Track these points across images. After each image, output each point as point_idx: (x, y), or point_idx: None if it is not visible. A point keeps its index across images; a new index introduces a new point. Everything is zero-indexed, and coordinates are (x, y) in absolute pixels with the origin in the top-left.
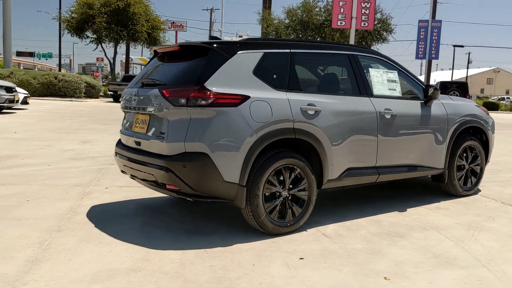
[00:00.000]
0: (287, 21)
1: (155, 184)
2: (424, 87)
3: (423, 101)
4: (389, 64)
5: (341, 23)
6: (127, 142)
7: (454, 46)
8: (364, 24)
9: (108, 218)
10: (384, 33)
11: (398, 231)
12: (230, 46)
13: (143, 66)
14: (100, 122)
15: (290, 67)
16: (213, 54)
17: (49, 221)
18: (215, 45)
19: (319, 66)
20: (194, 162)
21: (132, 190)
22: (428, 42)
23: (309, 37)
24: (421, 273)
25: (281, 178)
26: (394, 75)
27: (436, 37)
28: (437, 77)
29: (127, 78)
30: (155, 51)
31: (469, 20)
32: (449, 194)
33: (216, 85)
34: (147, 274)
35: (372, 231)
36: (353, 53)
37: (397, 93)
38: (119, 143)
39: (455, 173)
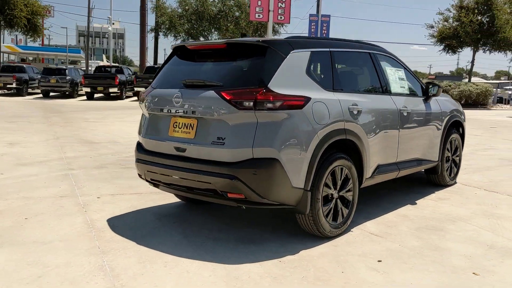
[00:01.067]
0: (180, 10)
1: (212, 194)
2: (422, 84)
3: (423, 98)
4: (396, 62)
5: (259, 15)
6: (159, 149)
7: None
8: (281, 17)
9: (138, 231)
10: (276, 26)
11: (432, 224)
12: (285, 45)
13: (12, 56)
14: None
15: (332, 66)
16: (270, 53)
17: (79, 242)
18: (271, 44)
19: (351, 65)
20: (265, 168)
21: (128, 199)
22: (319, 35)
23: (204, 28)
24: (498, 265)
25: (333, 180)
26: (402, 73)
27: (325, 31)
28: None
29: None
30: (180, 47)
31: (355, 16)
32: (437, 184)
33: (277, 86)
34: None
35: (411, 227)
36: (373, 51)
37: (406, 90)
38: (142, 149)
39: (445, 165)
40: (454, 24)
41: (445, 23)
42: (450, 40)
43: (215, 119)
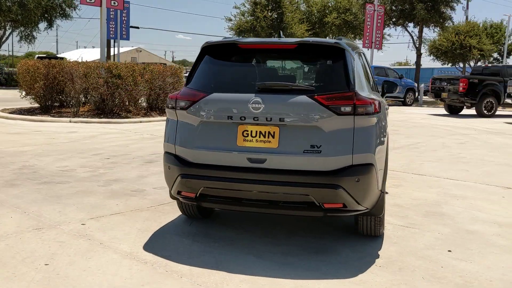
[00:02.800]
0: None
1: (305, 206)
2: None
3: None
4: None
5: (90, 0)
6: (222, 161)
7: (130, 27)
8: (115, 3)
9: (200, 257)
10: (68, 9)
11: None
12: (353, 47)
13: None
14: None
15: (365, 67)
16: (347, 56)
17: (163, 285)
18: (346, 46)
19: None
20: (365, 175)
21: (124, 221)
22: (118, 23)
23: None
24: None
25: None
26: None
27: (125, 18)
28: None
29: None
30: (228, 45)
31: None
32: None
33: (359, 89)
34: None
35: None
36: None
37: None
38: (187, 163)
39: None
40: (248, 19)
41: (242, 17)
42: (248, 33)
43: (305, 126)
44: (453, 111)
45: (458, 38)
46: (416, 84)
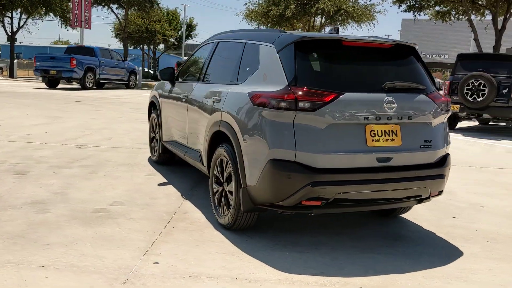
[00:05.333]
0: None
1: (420, 197)
2: None
3: None
4: None
5: None
6: (352, 163)
7: None
8: None
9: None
10: None
11: None
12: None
13: None
14: None
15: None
16: (418, 55)
17: None
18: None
19: None
20: (450, 163)
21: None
22: None
23: None
24: None
25: None
26: None
27: None
28: None
29: None
30: (333, 41)
31: None
32: None
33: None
34: None
35: None
36: None
37: None
38: (313, 169)
39: None
40: None
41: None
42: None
43: (421, 123)
44: None
45: (144, 22)
46: (136, 67)
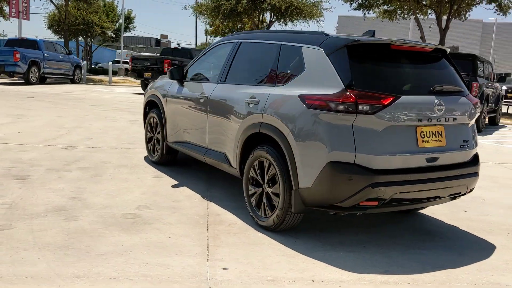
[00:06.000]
0: None
1: (459, 194)
2: None
3: None
4: None
5: None
6: (406, 164)
7: None
8: None
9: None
10: None
11: None
12: None
13: None
14: None
15: None
16: (450, 58)
17: None
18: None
19: None
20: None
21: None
22: None
23: None
24: None
25: None
26: None
27: None
28: None
29: None
30: (383, 45)
31: None
32: None
33: None
34: None
35: None
36: None
37: None
38: (371, 170)
39: None
40: None
41: None
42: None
43: (460, 124)
44: None
45: (80, 13)
46: (81, 61)
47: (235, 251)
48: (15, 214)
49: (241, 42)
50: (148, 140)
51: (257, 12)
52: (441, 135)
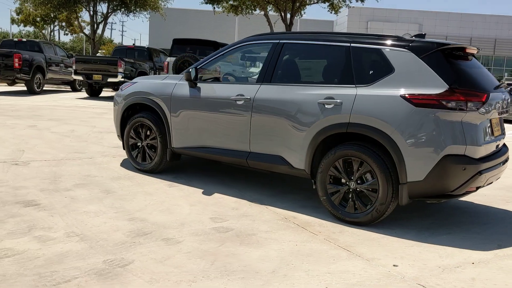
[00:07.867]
0: None
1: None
2: None
3: None
4: None
5: None
6: (486, 152)
7: None
8: None
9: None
10: None
11: None
12: None
13: None
14: None
15: None
16: None
17: None
18: None
19: None
20: None
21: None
22: None
23: None
24: None
25: None
26: None
27: None
28: None
29: None
30: (461, 48)
31: None
32: None
33: None
34: None
35: None
36: None
37: None
38: (474, 159)
39: None
40: None
41: None
42: None
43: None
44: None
45: None
46: None
47: (371, 248)
48: (95, 248)
49: (284, 43)
50: (131, 148)
51: (93, 3)
52: (498, 125)
